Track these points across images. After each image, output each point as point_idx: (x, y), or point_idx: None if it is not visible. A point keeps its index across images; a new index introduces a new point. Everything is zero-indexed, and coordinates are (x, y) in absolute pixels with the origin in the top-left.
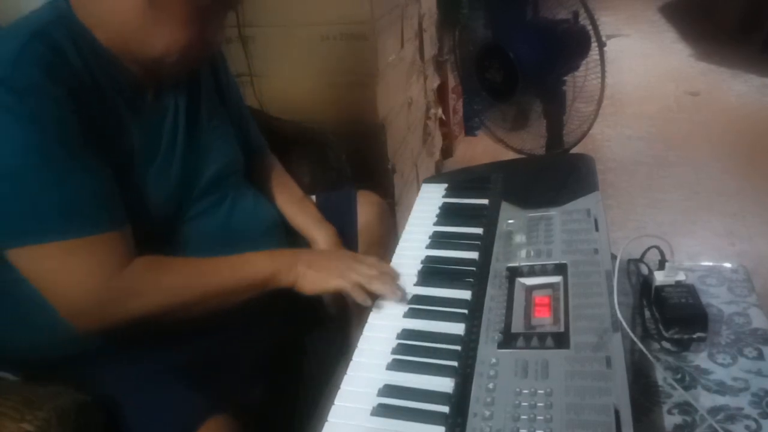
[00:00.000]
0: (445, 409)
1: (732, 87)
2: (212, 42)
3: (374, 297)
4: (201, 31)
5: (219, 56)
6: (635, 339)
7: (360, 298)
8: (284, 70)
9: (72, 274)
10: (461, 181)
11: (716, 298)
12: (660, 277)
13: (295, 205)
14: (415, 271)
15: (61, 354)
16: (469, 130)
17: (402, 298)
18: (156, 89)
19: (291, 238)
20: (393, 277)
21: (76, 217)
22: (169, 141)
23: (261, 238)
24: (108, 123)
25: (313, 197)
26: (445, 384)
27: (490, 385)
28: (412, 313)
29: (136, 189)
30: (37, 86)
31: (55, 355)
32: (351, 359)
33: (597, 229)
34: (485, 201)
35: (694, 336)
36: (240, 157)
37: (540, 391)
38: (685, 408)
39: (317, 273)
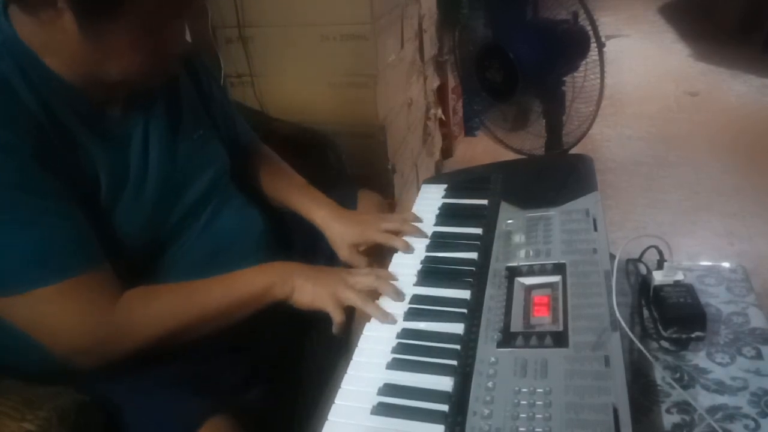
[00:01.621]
0: (445, 407)
1: (732, 87)
2: (173, 53)
3: (377, 296)
4: (155, 46)
5: (198, 62)
6: (634, 338)
7: (339, 331)
8: (284, 70)
9: (59, 319)
10: (461, 182)
11: (715, 298)
12: (659, 277)
13: (290, 187)
14: (415, 271)
15: (59, 368)
16: (469, 131)
17: (394, 320)
18: (123, 108)
19: (281, 242)
20: (389, 278)
21: (49, 262)
22: (140, 163)
23: (250, 243)
24: (68, 155)
25: None
26: (444, 383)
27: (490, 384)
28: (411, 313)
29: (110, 217)
30: None
31: (54, 369)
32: (351, 358)
33: (596, 229)
34: (485, 201)
35: (693, 335)
36: (227, 161)
37: (539, 390)
38: (684, 407)
39: (314, 288)
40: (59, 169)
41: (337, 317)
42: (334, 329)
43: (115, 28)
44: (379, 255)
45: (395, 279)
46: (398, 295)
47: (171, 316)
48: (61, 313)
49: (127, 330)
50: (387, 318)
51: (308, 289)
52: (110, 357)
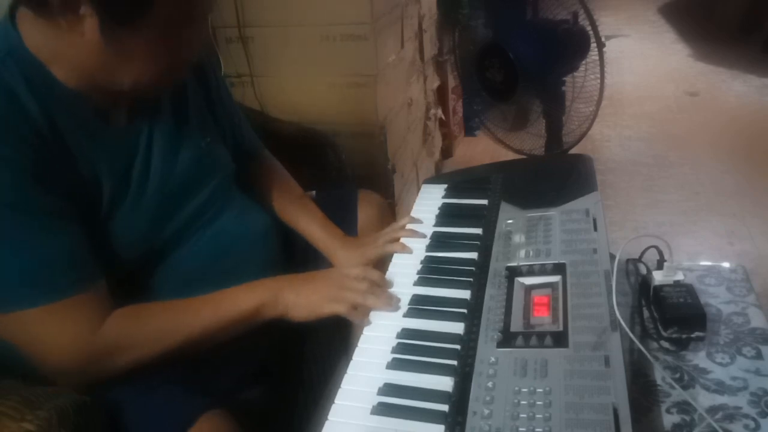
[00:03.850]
0: (445, 407)
1: (731, 87)
2: (186, 61)
3: None
4: (173, 53)
5: (207, 64)
6: (634, 338)
7: (358, 319)
8: (284, 70)
9: (48, 339)
10: (461, 182)
11: (715, 298)
12: (659, 277)
13: (295, 206)
14: (415, 272)
15: None
16: (469, 131)
17: (396, 307)
18: (128, 116)
19: (285, 244)
20: (382, 285)
21: (43, 283)
22: (142, 170)
23: (252, 246)
24: (69, 166)
25: (313, 192)
26: (444, 383)
27: (490, 384)
28: (411, 313)
29: (109, 225)
30: None
31: None
32: (351, 358)
33: (596, 229)
34: (485, 201)
35: (693, 335)
36: (233, 167)
37: (539, 390)
38: (684, 407)
39: (307, 300)
40: (58, 182)
41: (342, 311)
42: (354, 320)
43: (137, 34)
44: (380, 264)
45: (386, 284)
46: (390, 307)
47: (158, 337)
48: (48, 333)
49: (112, 352)
50: (391, 304)
51: (302, 303)
52: (97, 377)
